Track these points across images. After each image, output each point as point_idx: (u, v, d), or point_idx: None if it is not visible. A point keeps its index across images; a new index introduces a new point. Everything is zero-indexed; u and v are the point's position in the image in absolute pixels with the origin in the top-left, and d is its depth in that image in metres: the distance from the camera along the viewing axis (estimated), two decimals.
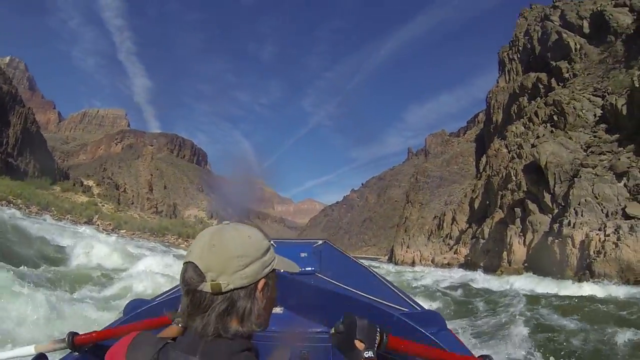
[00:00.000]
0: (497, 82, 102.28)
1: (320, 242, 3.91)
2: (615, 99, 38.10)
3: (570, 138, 42.42)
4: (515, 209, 42.52)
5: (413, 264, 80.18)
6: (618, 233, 25.58)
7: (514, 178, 49.47)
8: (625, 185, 30.42)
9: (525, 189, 44.92)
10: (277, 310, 2.58)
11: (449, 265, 60.52)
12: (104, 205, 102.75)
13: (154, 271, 14.01)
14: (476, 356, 1.58)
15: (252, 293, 1.05)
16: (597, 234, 27.42)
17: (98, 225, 72.04)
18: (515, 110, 75.47)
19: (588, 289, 17.31)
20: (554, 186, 37.40)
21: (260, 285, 1.07)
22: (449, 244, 73.78)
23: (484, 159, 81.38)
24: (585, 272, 25.54)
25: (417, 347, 1.46)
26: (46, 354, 1.58)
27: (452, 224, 76.39)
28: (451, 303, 13.41)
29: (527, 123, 63.00)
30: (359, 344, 1.23)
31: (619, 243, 24.58)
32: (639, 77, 33.06)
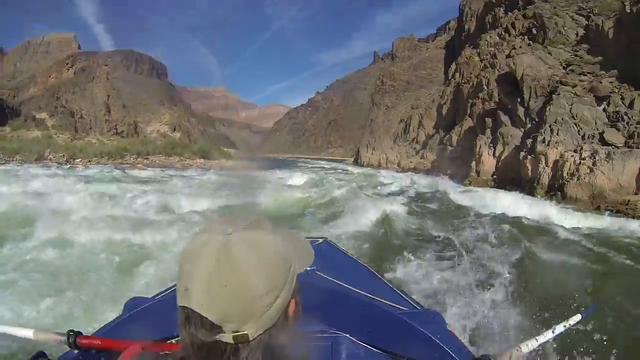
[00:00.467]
0: None
1: (320, 240, 3.83)
2: (602, 21, 36.54)
3: (549, 53, 41.90)
4: (486, 118, 42.98)
5: (379, 166, 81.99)
6: (594, 158, 24.41)
7: (485, 87, 49.41)
8: (604, 110, 29.30)
9: (497, 100, 45.33)
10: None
11: (415, 169, 62.03)
12: (58, 137, 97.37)
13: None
14: (476, 356, 1.61)
15: (284, 325, 0.78)
16: (573, 156, 26.74)
17: (50, 159, 68.21)
18: (490, 21, 73.56)
19: (563, 217, 15.96)
20: (529, 100, 37.29)
21: (290, 309, 0.80)
22: (415, 148, 75.14)
23: (453, 66, 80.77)
24: (556, 192, 25.47)
25: None
26: (45, 351, 1.51)
27: (418, 129, 77.24)
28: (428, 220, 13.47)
29: (503, 34, 61.76)
30: None
31: (594, 168, 23.59)
32: (631, 1, 31.56)
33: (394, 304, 2.36)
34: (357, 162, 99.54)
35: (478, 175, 39.27)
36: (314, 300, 2.18)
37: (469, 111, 51.11)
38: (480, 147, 40.54)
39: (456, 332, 2.66)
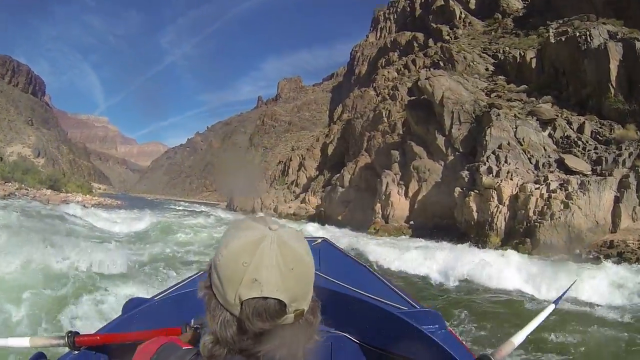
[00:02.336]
0: (367, 37, 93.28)
1: (319, 240, 3.86)
2: (521, 53, 33.23)
3: (466, 80, 32.69)
4: (392, 151, 31.39)
5: (253, 211, 67.87)
6: (566, 190, 17.93)
7: (385, 120, 39.10)
8: (550, 135, 23.54)
9: (402, 132, 34.53)
10: None
11: (294, 215, 48.84)
12: None
13: None
14: (475, 356, 1.56)
15: (315, 300, 0.86)
16: (538, 188, 18.61)
17: None
18: (383, 64, 66.50)
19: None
20: (450, 127, 27.30)
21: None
22: (294, 192, 62.28)
23: (339, 108, 71.57)
24: (523, 240, 17.55)
25: None
26: (44, 352, 1.47)
27: (299, 170, 65.10)
28: None
29: (402, 70, 53.80)
30: None
31: (570, 203, 17.21)
32: (555, 33, 31.66)
33: (393, 304, 2.30)
34: (230, 207, 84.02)
35: (386, 222, 27.79)
36: None
37: (365, 145, 39.52)
38: (386, 185, 28.91)
39: (455, 331, 2.61)
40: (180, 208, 67.02)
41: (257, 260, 0.76)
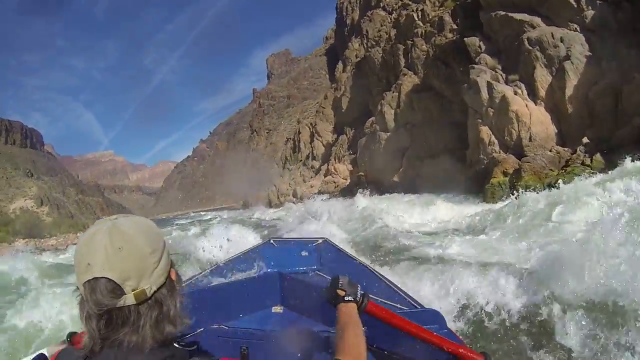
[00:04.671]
0: None
1: (320, 240, 3.82)
2: None
3: None
4: (469, 39, 17.44)
5: (269, 203, 54.72)
6: None
7: (420, 23, 25.09)
8: None
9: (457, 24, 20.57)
10: (278, 309, 2.53)
11: (321, 194, 35.46)
12: None
13: None
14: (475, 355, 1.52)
15: (172, 287, 0.87)
16: None
17: None
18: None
19: None
20: None
21: (173, 276, 0.89)
22: (312, 167, 48.67)
23: (340, 66, 57.38)
24: None
25: (393, 317, 1.46)
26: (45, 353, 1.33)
27: (312, 142, 51.24)
28: None
29: None
30: (341, 292, 1.30)
31: None
32: None
33: (394, 303, 2.28)
34: (245, 205, 70.78)
35: (521, 156, 13.58)
36: (314, 299, 2.30)
37: (400, 68, 25.65)
38: (487, 89, 14.91)
39: (456, 330, 2.59)
40: (183, 222, 54.36)
41: (88, 247, 0.79)
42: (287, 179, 56.39)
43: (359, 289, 1.34)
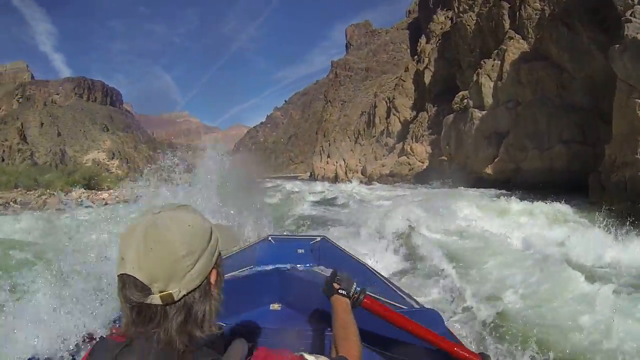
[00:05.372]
0: None
1: (318, 238, 3.67)
2: None
3: None
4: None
5: (336, 179, 51.66)
6: None
7: None
8: None
9: None
10: (276, 307, 2.51)
11: (391, 176, 31.74)
12: None
13: None
14: (475, 354, 1.53)
15: (207, 291, 0.85)
16: None
17: None
18: None
19: None
20: None
21: (213, 278, 0.87)
22: (386, 144, 44.61)
23: (423, 40, 51.77)
24: None
25: (390, 313, 1.51)
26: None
27: (388, 117, 47.04)
28: None
29: None
30: (336, 285, 1.41)
31: None
32: None
33: (393, 303, 2.27)
34: (312, 176, 68.31)
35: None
36: (313, 297, 2.21)
37: (506, 28, 20.81)
38: None
39: (454, 330, 2.55)
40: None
41: (126, 241, 0.81)
42: (358, 155, 52.83)
43: (355, 285, 1.41)
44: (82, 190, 51.13)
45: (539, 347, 3.09)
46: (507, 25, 20.77)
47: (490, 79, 19.81)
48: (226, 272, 2.37)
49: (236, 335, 1.81)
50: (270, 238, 3.83)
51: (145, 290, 0.77)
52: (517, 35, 19.37)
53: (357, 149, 54.43)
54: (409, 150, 33.53)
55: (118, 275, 0.80)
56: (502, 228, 8.16)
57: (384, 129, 47.05)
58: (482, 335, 3.52)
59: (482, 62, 20.83)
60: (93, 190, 55.35)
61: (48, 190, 50.41)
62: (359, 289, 1.42)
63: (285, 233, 8.53)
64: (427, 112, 35.24)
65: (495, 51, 20.27)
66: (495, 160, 18.50)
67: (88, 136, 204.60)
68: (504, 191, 14.83)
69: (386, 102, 50.24)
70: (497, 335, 3.53)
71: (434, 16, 53.03)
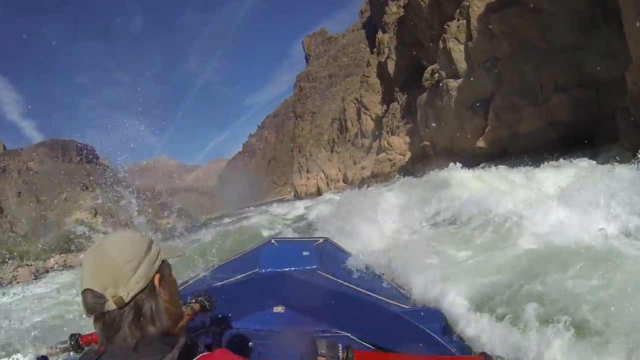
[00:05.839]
0: None
1: (320, 240, 3.77)
2: None
3: None
4: None
5: (319, 192, 49.26)
6: None
7: None
8: None
9: None
10: (279, 309, 2.51)
11: (374, 177, 29.09)
12: None
13: None
14: (476, 354, 1.54)
15: (152, 291, 0.97)
16: None
17: None
18: None
19: None
20: None
21: (156, 280, 0.98)
22: (362, 146, 42.11)
23: (380, 34, 49.80)
24: None
25: (384, 357, 1.52)
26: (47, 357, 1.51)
27: (359, 118, 44.60)
28: None
29: None
30: (321, 359, 1.28)
31: None
32: None
33: (395, 302, 2.31)
34: (296, 195, 65.83)
35: None
36: (316, 299, 2.36)
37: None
38: None
39: (457, 329, 2.53)
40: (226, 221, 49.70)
41: (83, 264, 0.95)
42: (336, 163, 50.25)
43: (340, 348, 1.31)
44: (59, 255, 47.29)
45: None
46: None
47: (459, 41, 17.12)
48: (230, 276, 2.80)
49: (240, 337, 2.06)
50: (273, 241, 4.04)
51: (101, 298, 0.90)
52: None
53: (335, 158, 51.94)
54: (386, 145, 30.82)
55: (81, 293, 0.92)
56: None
57: (357, 131, 44.59)
58: (484, 332, 2.84)
59: (445, 27, 18.13)
60: (73, 253, 51.51)
61: (24, 261, 46.36)
62: (345, 349, 1.30)
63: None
64: (398, 102, 32.74)
65: (458, 10, 17.65)
66: (486, 130, 15.76)
67: (68, 198, 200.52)
68: (506, 166, 11.90)
69: (355, 103, 47.87)
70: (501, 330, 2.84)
71: (386, 8, 51.35)
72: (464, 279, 3.67)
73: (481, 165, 13.38)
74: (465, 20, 16.92)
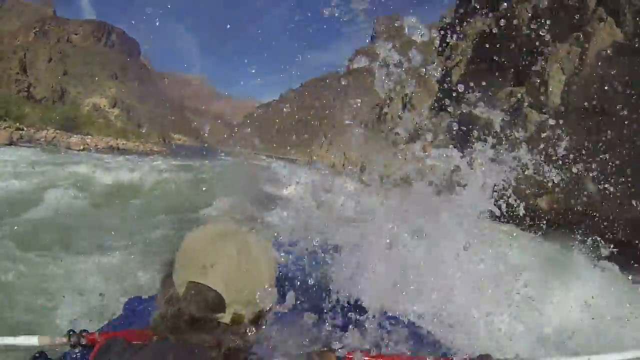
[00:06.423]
0: None
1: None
2: None
3: None
4: None
5: (333, 166, 47.16)
6: None
7: None
8: None
9: None
10: (281, 309, 2.21)
11: (402, 179, 26.42)
12: None
13: None
14: (476, 355, 1.56)
15: (259, 317, 0.84)
16: None
17: None
18: None
19: None
20: None
21: (274, 304, 0.89)
22: (394, 142, 39.24)
23: (452, 39, 46.51)
24: None
25: (384, 358, 1.51)
26: (45, 352, 1.54)
27: (402, 113, 41.71)
28: None
29: None
30: None
31: None
32: None
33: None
34: (309, 162, 63.77)
35: None
36: (316, 298, 2.38)
37: (591, 6, 15.00)
38: None
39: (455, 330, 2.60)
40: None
41: (214, 250, 0.77)
42: (362, 149, 47.89)
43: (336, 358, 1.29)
44: (53, 130, 45.92)
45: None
46: (592, 3, 14.84)
47: (563, 72, 14.03)
48: None
49: None
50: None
51: (220, 308, 0.75)
52: (609, 18, 13.57)
53: (362, 143, 49.46)
54: (424, 151, 28.24)
55: (190, 282, 0.75)
56: None
57: (396, 125, 41.87)
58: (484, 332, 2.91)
59: (553, 47, 14.79)
60: (69, 133, 50.03)
61: (17, 124, 45.06)
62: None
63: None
64: (452, 114, 29.93)
65: (575, 34, 14.36)
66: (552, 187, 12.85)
67: (94, 80, 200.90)
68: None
69: (403, 97, 45.04)
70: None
71: (471, 20, 47.88)
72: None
73: None
74: (579, 49, 13.78)
